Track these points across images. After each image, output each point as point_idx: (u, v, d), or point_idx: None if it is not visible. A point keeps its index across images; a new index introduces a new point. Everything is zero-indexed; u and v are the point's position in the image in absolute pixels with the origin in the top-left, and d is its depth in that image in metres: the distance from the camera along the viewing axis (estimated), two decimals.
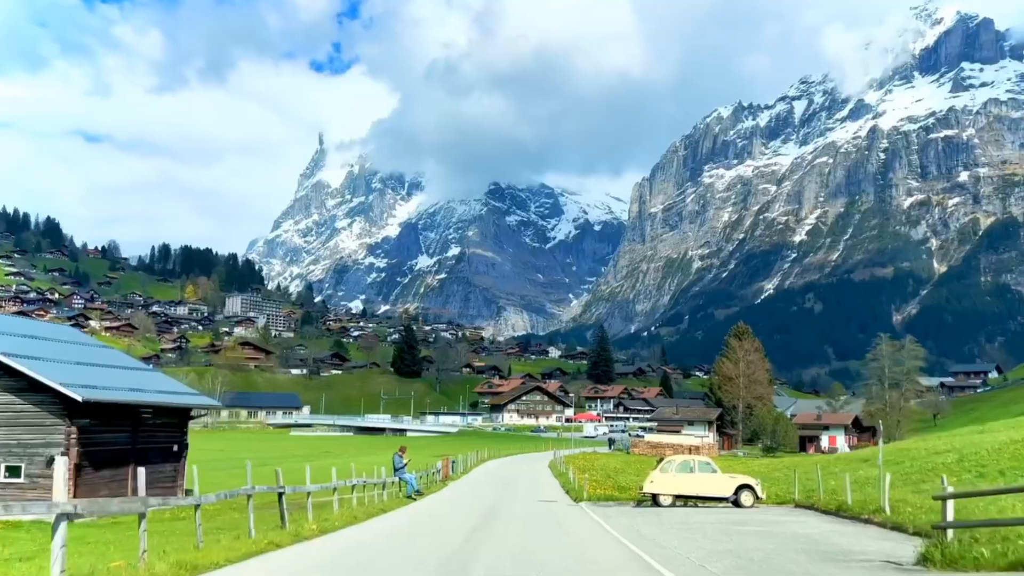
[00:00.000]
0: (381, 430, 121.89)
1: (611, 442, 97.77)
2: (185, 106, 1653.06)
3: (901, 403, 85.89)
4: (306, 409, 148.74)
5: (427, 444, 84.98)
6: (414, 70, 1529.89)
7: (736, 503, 26.41)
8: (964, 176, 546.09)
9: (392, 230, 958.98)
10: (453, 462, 47.54)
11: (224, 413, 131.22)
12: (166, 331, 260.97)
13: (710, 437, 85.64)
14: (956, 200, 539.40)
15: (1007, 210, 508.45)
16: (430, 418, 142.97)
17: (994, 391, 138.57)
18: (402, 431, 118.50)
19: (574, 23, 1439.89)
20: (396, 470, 30.03)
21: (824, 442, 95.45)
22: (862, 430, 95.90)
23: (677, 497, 27.08)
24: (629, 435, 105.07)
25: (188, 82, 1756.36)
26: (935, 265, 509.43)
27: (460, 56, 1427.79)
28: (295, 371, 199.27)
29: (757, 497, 26.61)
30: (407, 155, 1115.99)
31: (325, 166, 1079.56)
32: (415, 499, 28.75)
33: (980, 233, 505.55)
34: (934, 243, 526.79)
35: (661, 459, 28.73)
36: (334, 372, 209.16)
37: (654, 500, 27.16)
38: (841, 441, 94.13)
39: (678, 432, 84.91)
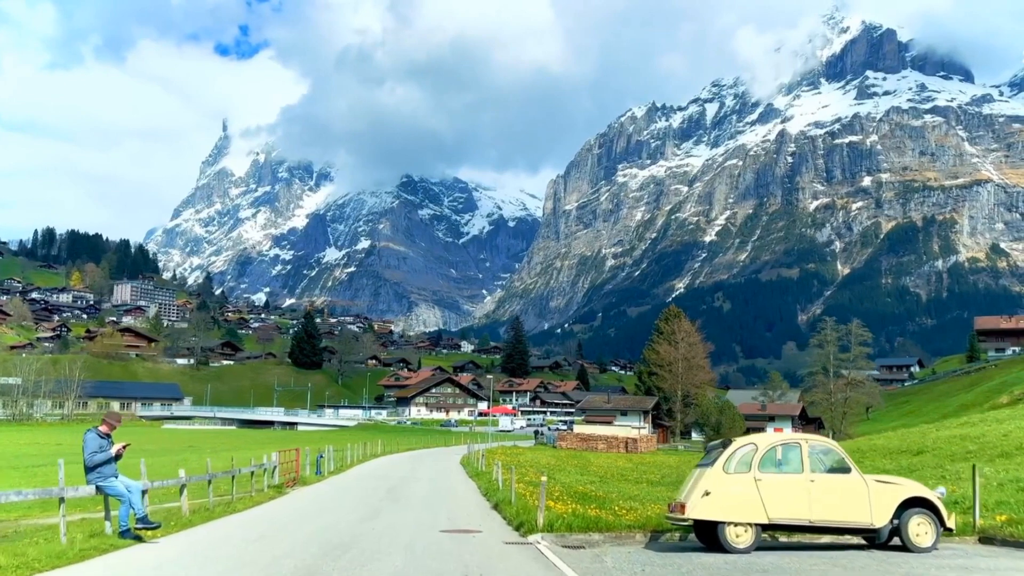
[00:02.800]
0: (269, 423, 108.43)
1: (537, 434, 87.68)
2: (81, 86, 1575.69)
3: (848, 392, 77.74)
4: (187, 401, 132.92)
5: (320, 438, 72.17)
6: (326, 57, 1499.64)
7: (895, 539, 13.19)
8: (867, 181, 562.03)
9: (299, 221, 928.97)
10: (321, 457, 33.21)
11: (92, 405, 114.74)
12: (45, 319, 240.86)
13: (647, 428, 75.63)
14: (859, 204, 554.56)
15: (907, 215, 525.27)
16: (329, 411, 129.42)
17: (923, 384, 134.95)
18: (293, 424, 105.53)
19: (492, 15, 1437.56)
20: (89, 470, 13.30)
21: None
22: (807, 421, 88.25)
23: (767, 528, 13.33)
24: (549, 428, 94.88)
25: (84, 60, 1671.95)
26: (839, 267, 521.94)
27: (374, 44, 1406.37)
28: (181, 361, 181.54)
29: (944, 527, 13.19)
30: (316, 144, 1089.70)
31: (229, 153, 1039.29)
32: (144, 538, 13.42)
33: (882, 236, 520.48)
34: (838, 245, 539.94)
35: (723, 443, 14.12)
36: (225, 363, 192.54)
37: (702, 534, 13.60)
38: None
39: (610, 423, 74.41)
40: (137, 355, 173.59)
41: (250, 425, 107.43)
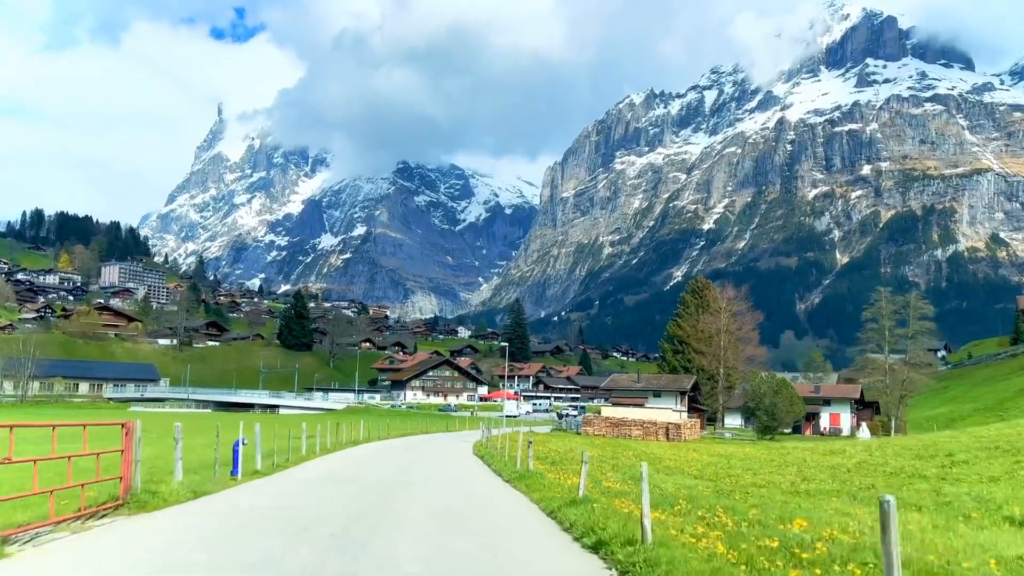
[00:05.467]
0: (249, 406, 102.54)
1: (561, 417, 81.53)
2: (74, 69, 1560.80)
3: (907, 373, 70.49)
4: (164, 382, 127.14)
5: (302, 420, 66.84)
6: (322, 40, 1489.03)
7: None
8: (867, 169, 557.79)
9: (294, 207, 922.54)
10: (242, 444, 18.91)
11: (59, 386, 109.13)
12: (30, 300, 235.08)
13: (685, 412, 67.45)
14: (859, 193, 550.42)
15: (906, 204, 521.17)
16: (318, 394, 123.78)
17: (960, 368, 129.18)
18: (274, 407, 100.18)
19: (490, 1, 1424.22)
20: None
21: (824, 420, 78.17)
22: (863, 406, 79.88)
23: None
24: (559, 413, 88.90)
25: (78, 42, 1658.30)
26: (838, 256, 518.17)
27: (371, 28, 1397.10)
28: (164, 342, 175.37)
29: None
30: (312, 129, 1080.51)
31: (224, 138, 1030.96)
32: None
33: (881, 226, 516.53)
34: (837, 234, 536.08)
35: None
36: (210, 344, 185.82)
37: None
38: (846, 419, 76.83)
39: (641, 406, 65.62)
40: (116, 335, 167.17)
41: (227, 408, 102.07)
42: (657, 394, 69.93)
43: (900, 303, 75.16)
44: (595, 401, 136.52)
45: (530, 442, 23.24)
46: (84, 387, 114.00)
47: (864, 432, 60.06)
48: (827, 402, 79.97)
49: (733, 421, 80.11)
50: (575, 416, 73.67)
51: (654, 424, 53.50)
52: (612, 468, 24.74)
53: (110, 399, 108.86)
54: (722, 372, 71.19)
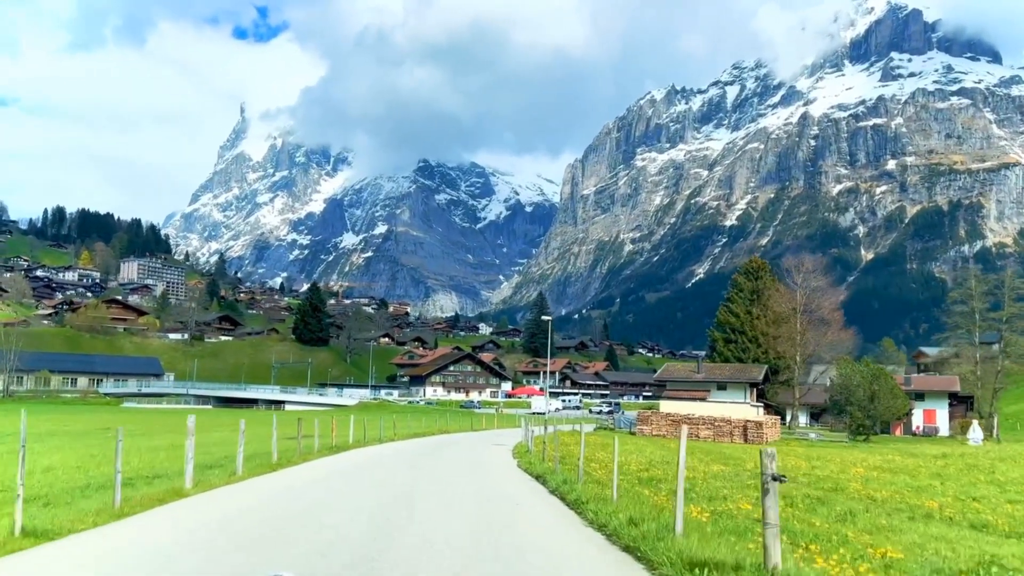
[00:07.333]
0: (253, 402, 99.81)
1: (609, 412, 75.71)
2: (100, 69, 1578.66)
3: (1001, 363, 63.08)
4: (170, 377, 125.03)
5: (301, 417, 64.17)
6: (345, 37, 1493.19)
7: None
8: (892, 164, 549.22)
9: (316, 206, 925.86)
10: None
11: (55, 380, 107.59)
12: (47, 296, 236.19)
13: (760, 407, 58.55)
14: (884, 188, 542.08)
15: (932, 199, 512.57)
16: (331, 390, 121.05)
17: None
18: (280, 403, 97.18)
19: None
20: None
21: (917, 418, 67.78)
22: (957, 400, 70.71)
23: None
24: (608, 409, 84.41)
25: (104, 42, 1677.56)
26: (863, 252, 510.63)
27: (394, 25, 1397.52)
28: (175, 336, 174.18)
29: None
30: (334, 127, 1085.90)
31: (247, 138, 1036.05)
32: None
33: (907, 221, 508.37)
34: (862, 230, 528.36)
35: None
36: (223, 338, 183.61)
37: None
38: (942, 417, 66.94)
39: (703, 400, 57.48)
40: (125, 329, 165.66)
41: (230, 404, 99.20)
42: (722, 386, 61.36)
43: (992, 283, 67.42)
44: (626, 397, 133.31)
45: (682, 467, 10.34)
46: (83, 382, 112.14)
47: (976, 432, 49.53)
48: (920, 396, 69.33)
49: (800, 418, 73.13)
50: (620, 412, 65.87)
51: (728, 423, 44.56)
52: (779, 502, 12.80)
53: (107, 395, 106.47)
54: (799, 360, 62.33)
